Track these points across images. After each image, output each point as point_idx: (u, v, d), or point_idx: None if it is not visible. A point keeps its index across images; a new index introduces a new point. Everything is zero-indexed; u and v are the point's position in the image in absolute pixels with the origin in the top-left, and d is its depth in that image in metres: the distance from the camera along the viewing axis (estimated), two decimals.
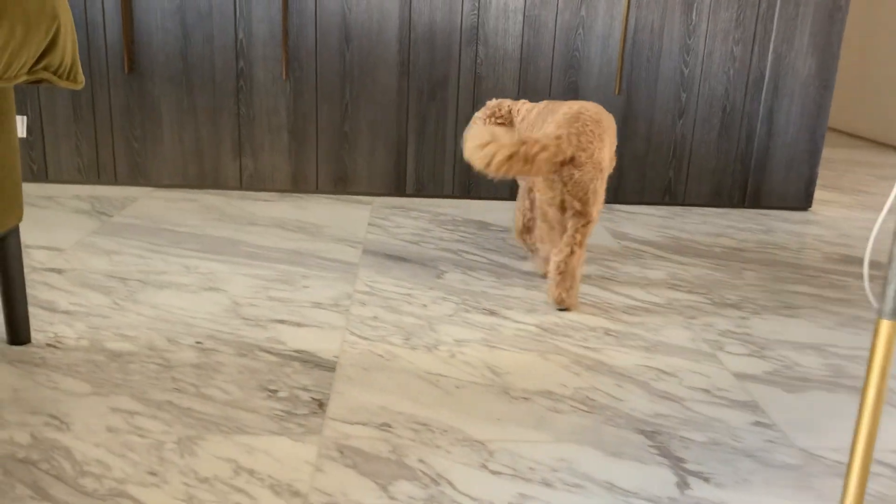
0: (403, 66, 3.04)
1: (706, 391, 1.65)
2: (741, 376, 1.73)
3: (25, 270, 2.13)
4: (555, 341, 1.86)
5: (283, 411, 1.48)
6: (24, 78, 1.15)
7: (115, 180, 3.11)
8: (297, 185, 3.16)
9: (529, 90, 3.10)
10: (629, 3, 3.02)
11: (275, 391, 1.55)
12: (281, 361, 1.68)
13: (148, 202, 2.90)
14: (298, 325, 1.88)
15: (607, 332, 1.93)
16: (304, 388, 1.57)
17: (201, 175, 3.12)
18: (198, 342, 1.76)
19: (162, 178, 3.12)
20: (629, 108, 3.14)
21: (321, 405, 1.51)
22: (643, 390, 1.64)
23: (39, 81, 1.20)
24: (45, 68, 1.18)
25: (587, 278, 2.31)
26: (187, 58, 2.99)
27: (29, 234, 2.45)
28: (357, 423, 1.45)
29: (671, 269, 2.45)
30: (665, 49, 3.09)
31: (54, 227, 2.55)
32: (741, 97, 3.16)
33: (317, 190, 3.16)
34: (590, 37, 3.06)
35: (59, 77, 1.23)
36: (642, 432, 1.47)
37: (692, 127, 3.18)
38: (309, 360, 1.69)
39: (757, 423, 1.53)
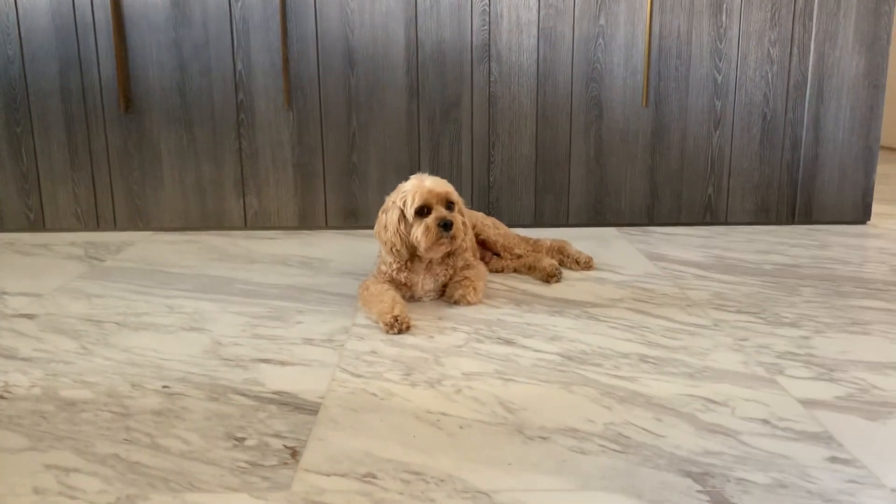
0: (412, 89, 2.85)
1: (766, 422, 1.35)
2: (808, 403, 1.43)
3: None
4: (581, 371, 1.58)
5: (248, 462, 1.23)
6: None
7: (114, 226, 2.94)
8: (306, 221, 2.95)
9: (549, 107, 2.87)
10: (652, 7, 2.79)
11: (242, 439, 1.30)
12: (256, 405, 1.44)
13: (146, 246, 2.72)
14: (283, 363, 1.64)
15: (643, 359, 1.64)
16: (277, 435, 1.32)
17: (204, 216, 2.94)
18: (165, 386, 1.52)
19: (163, 220, 2.94)
20: (659, 120, 2.89)
21: (294, 454, 1.25)
22: (688, 424, 1.35)
23: None
24: None
25: (618, 301, 2.04)
26: (185, 93, 2.83)
27: (10, 281, 2.27)
28: (335, 475, 1.19)
29: (716, 288, 2.15)
30: (694, 55, 2.84)
31: (40, 273, 2.37)
32: (782, 103, 2.89)
33: (326, 225, 2.95)
34: (611, 47, 2.83)
35: None
36: (689, 475, 1.18)
37: (730, 138, 2.91)
38: (288, 403, 1.44)
39: (833, 459, 1.23)
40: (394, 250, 1.97)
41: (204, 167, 2.90)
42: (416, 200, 1.93)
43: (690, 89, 2.87)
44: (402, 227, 1.95)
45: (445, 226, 1.91)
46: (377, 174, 2.91)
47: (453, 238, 1.94)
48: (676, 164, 2.93)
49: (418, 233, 1.92)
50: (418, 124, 2.87)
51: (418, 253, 1.99)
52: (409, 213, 1.93)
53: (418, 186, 1.95)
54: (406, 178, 2.04)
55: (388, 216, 1.98)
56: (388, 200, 2.02)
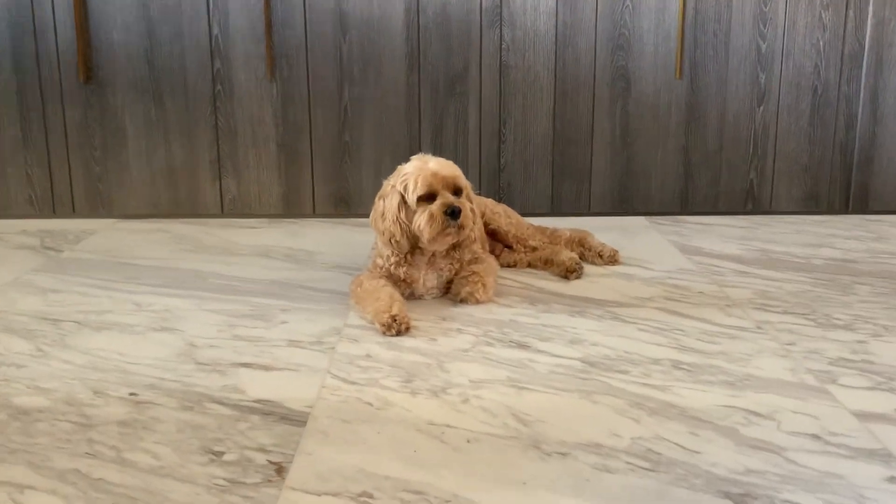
0: (413, 58, 2.85)
1: (816, 437, 1.36)
2: (864, 416, 1.44)
3: None
4: (605, 379, 1.59)
5: (226, 480, 1.24)
6: None
7: (73, 212, 2.95)
8: (290, 208, 2.96)
9: (569, 79, 2.87)
10: None
11: (220, 453, 1.31)
12: (236, 415, 1.44)
13: (109, 235, 2.73)
14: (266, 368, 1.65)
15: (676, 366, 1.65)
16: (261, 449, 1.32)
17: (175, 202, 2.95)
18: (132, 394, 1.53)
19: (128, 207, 2.95)
20: (694, 94, 2.90)
21: (280, 470, 1.26)
22: (728, 439, 1.36)
23: None
24: None
25: (648, 301, 2.04)
26: (153, 60, 2.84)
27: None
28: (325, 494, 1.20)
29: (759, 286, 2.16)
30: (735, 20, 2.85)
31: None
32: (835, 75, 2.89)
33: (314, 213, 2.96)
34: (640, 9, 2.83)
35: None
36: (728, 496, 1.19)
37: (776, 115, 2.92)
38: (273, 413, 1.45)
39: (893, 479, 1.24)
40: (392, 241, 1.97)
41: (175, 146, 2.91)
42: (420, 185, 1.93)
43: (731, 59, 2.88)
44: (403, 214, 1.95)
45: (452, 214, 1.91)
46: (372, 155, 2.92)
47: (461, 228, 1.94)
48: (714, 145, 2.94)
49: (421, 221, 1.92)
50: (419, 98, 2.88)
51: (420, 244, 1.99)
52: (411, 199, 1.94)
53: (421, 169, 1.95)
54: (406, 160, 2.04)
55: (386, 203, 1.98)
56: (387, 185, 2.02)
